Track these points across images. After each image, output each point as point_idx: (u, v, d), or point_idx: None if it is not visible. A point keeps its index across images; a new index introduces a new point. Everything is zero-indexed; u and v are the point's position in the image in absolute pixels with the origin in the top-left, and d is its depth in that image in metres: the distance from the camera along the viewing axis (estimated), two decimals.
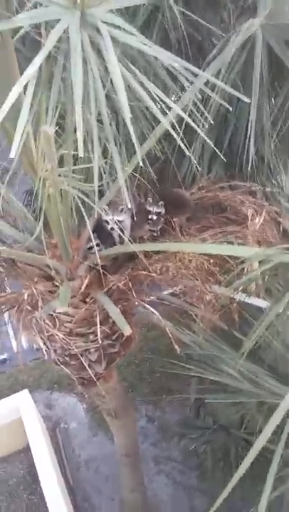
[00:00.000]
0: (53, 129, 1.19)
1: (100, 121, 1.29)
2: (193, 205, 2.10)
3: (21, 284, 2.15)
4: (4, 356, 5.24)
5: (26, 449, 4.04)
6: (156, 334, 4.72)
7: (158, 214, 1.99)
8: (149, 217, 1.99)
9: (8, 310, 2.12)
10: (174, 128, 1.38)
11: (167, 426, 4.73)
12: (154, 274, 1.87)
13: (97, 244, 1.93)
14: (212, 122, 1.52)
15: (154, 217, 1.97)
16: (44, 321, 2.13)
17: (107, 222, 2.03)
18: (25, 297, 1.99)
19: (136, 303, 2.15)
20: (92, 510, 4.28)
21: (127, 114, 1.00)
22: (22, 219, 2.06)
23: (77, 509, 4.16)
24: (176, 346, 2.05)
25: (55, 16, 1.12)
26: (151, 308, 1.98)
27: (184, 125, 1.46)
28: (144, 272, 1.88)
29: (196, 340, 2.14)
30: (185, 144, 1.37)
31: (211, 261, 1.79)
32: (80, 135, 1.03)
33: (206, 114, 1.48)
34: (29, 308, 2.05)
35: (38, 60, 1.11)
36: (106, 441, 4.58)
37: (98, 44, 1.15)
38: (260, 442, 1.47)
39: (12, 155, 1.09)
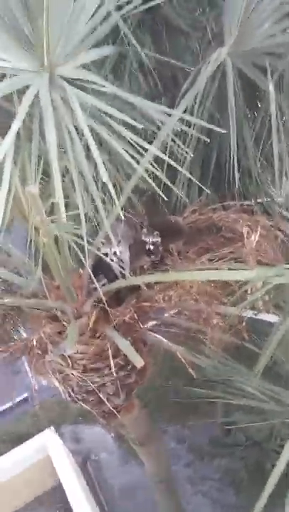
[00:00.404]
0: (37, 188, 1.21)
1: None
2: (188, 229, 2.11)
3: (29, 329, 2.17)
4: (25, 395, 5.20)
5: (59, 486, 4.00)
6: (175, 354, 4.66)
7: (154, 243, 2.00)
8: (147, 247, 2.00)
9: (19, 357, 2.13)
10: (158, 161, 1.41)
11: (198, 445, 4.64)
12: (157, 304, 1.88)
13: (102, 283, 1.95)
14: (192, 155, 1.54)
15: (152, 247, 1.98)
16: (57, 362, 2.13)
17: (106, 255, 2.04)
18: (34, 343, 2.00)
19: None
20: None
21: (102, 171, 1.03)
22: (22, 265, 2.09)
23: None
24: (191, 370, 2.04)
25: (24, 82, 1.15)
26: (160, 337, 1.97)
27: (168, 153, 1.48)
28: (148, 304, 1.88)
29: (210, 363, 2.12)
30: (171, 173, 1.39)
31: (212, 285, 1.79)
32: (58, 193, 1.06)
33: (187, 143, 1.50)
34: (40, 352, 2.06)
35: (15, 126, 1.14)
36: (138, 468, 4.50)
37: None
38: (284, 458, 1.47)
39: None
